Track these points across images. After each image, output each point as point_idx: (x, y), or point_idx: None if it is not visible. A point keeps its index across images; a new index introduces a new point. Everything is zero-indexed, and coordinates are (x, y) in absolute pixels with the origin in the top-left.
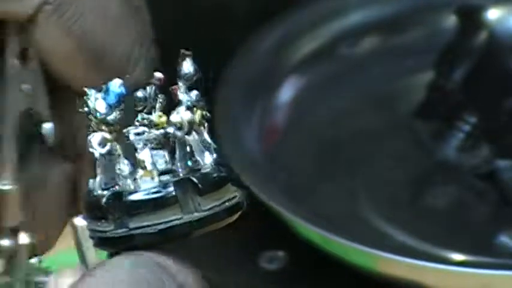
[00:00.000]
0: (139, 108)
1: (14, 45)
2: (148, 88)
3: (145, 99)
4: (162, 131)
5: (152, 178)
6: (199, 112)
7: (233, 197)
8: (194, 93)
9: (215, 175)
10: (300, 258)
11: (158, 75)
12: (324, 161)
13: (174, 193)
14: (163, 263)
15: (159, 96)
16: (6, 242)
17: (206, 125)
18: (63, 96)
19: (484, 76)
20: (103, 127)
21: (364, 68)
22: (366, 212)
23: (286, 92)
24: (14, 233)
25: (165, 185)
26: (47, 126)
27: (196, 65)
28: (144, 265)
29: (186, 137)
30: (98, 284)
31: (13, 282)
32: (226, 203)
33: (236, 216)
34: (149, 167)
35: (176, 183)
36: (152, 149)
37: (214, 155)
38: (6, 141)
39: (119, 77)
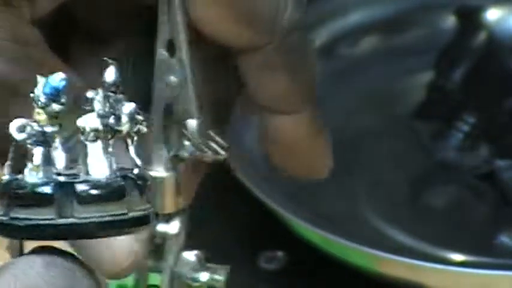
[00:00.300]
0: (87, 109)
1: (162, 34)
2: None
3: (92, 100)
4: (40, 128)
5: (37, 173)
6: (128, 125)
7: (123, 213)
8: (132, 106)
9: (101, 187)
10: (300, 258)
11: None
12: None
13: (51, 193)
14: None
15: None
16: (161, 228)
17: (135, 139)
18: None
19: (484, 76)
20: (43, 117)
21: (364, 68)
22: (366, 212)
23: None
24: (167, 221)
25: (46, 184)
26: (192, 124)
27: (118, 74)
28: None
29: (88, 143)
30: None
31: (162, 269)
32: (115, 217)
33: (141, 229)
34: (37, 161)
35: (60, 185)
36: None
37: (136, 170)
38: (155, 131)
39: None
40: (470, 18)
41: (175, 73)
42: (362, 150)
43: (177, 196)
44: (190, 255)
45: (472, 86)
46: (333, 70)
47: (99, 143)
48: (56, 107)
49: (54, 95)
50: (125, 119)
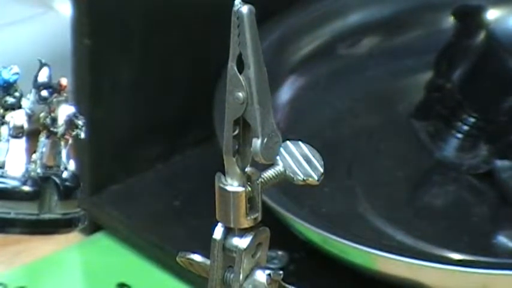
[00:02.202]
0: (41, 106)
1: (233, 49)
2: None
3: (45, 99)
4: None
5: None
6: (63, 128)
7: (34, 214)
8: (70, 109)
9: (13, 185)
10: (300, 258)
11: (62, 81)
12: (324, 161)
13: None
14: None
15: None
16: (235, 241)
17: (70, 141)
18: None
19: (483, 76)
20: None
21: (364, 68)
22: (365, 212)
23: (286, 92)
24: (241, 235)
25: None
26: (256, 143)
27: (50, 76)
28: None
29: (10, 139)
30: None
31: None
32: (24, 216)
33: (63, 231)
34: None
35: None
36: None
37: (65, 174)
38: (225, 143)
39: None
40: (470, 19)
41: (243, 90)
42: (362, 150)
43: (251, 212)
44: (262, 275)
45: (471, 86)
46: (333, 70)
47: (22, 140)
48: (9, 99)
49: (5, 88)
50: (60, 121)
